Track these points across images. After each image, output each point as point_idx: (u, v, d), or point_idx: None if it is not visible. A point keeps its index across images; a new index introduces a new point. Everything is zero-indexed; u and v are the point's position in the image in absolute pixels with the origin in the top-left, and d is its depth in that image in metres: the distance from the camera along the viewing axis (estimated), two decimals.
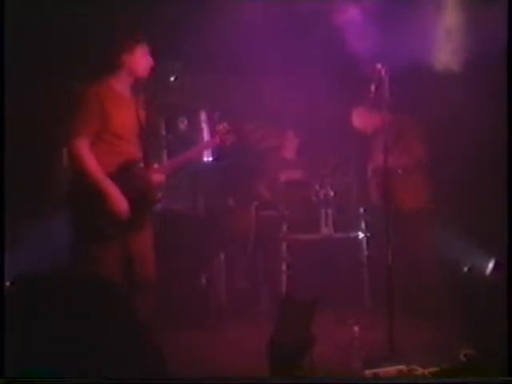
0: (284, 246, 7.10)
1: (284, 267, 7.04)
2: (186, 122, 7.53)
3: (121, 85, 5.01)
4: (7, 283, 4.36)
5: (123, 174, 4.95)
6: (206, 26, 6.42)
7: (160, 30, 6.48)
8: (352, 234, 7.11)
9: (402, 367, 4.64)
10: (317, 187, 7.08)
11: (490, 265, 5.70)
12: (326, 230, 7.10)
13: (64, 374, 3.83)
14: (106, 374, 3.87)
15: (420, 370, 4.59)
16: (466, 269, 5.99)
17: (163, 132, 7.55)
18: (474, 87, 6.21)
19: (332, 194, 7.05)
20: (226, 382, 4.51)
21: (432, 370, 4.55)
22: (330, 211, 7.08)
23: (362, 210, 7.11)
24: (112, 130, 4.92)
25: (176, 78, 7.35)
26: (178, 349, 5.35)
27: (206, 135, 7.52)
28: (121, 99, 5.00)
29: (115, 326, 4.03)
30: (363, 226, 7.06)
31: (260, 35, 6.32)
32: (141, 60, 4.99)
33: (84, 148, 4.82)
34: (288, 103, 7.61)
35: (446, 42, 6.36)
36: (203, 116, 7.55)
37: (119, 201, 4.88)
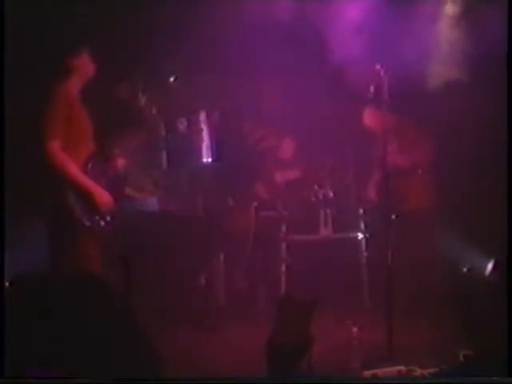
0: (283, 246, 7.09)
1: (283, 268, 7.04)
2: (185, 122, 7.51)
3: (75, 88, 5.27)
4: (6, 284, 4.37)
5: (92, 170, 5.18)
6: (205, 27, 6.42)
7: (160, 30, 6.50)
8: (351, 235, 7.10)
9: (401, 368, 4.64)
10: (316, 188, 7.07)
11: (490, 265, 5.70)
12: (325, 231, 7.10)
13: (63, 374, 3.84)
14: (105, 373, 3.87)
15: (419, 371, 4.59)
16: (465, 269, 5.99)
17: (163, 132, 7.53)
18: (474, 87, 6.21)
19: (331, 194, 7.05)
20: (225, 382, 4.51)
21: (431, 370, 4.55)
22: (329, 212, 7.08)
23: (361, 210, 7.10)
24: (75, 131, 5.15)
25: (175, 79, 7.34)
26: (178, 349, 5.36)
27: (205, 135, 7.51)
28: (77, 102, 5.25)
29: (114, 326, 4.03)
30: (362, 226, 7.06)
31: (259, 36, 6.32)
32: (87, 64, 5.29)
33: (57, 149, 5.04)
34: (288, 104, 7.59)
35: (445, 43, 6.36)
36: (203, 116, 7.54)
37: (102, 194, 5.13)
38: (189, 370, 4.86)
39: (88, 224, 5.06)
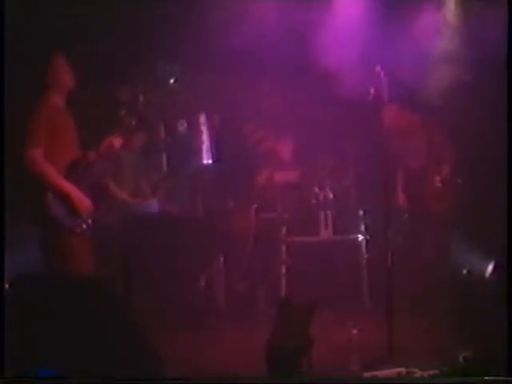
0: (283, 248, 7.09)
1: (283, 269, 7.03)
2: (185, 124, 7.52)
3: (58, 99, 5.32)
4: (6, 285, 4.37)
5: (73, 175, 5.23)
6: (205, 28, 6.42)
7: (160, 31, 6.51)
8: (351, 237, 7.10)
9: (401, 370, 4.63)
10: (316, 189, 7.07)
11: (490, 267, 5.70)
12: (326, 233, 7.09)
13: (63, 374, 3.84)
14: (105, 374, 3.87)
15: (419, 373, 4.58)
16: (465, 271, 5.99)
17: (162, 135, 7.54)
18: (474, 88, 6.22)
19: (331, 196, 7.05)
20: (225, 382, 4.51)
21: (431, 372, 4.54)
22: (329, 213, 7.07)
23: (361, 212, 7.10)
24: (59, 140, 5.22)
25: (175, 81, 7.35)
26: (178, 350, 5.35)
27: (205, 137, 7.52)
28: (61, 111, 5.32)
29: (114, 327, 4.03)
30: (363, 228, 7.06)
31: (260, 37, 6.33)
32: (65, 74, 5.31)
33: (39, 157, 5.12)
34: (287, 105, 7.59)
35: (445, 44, 6.37)
36: (202, 118, 7.54)
37: (82, 199, 5.19)
38: (189, 370, 4.85)
39: (72, 228, 5.15)
